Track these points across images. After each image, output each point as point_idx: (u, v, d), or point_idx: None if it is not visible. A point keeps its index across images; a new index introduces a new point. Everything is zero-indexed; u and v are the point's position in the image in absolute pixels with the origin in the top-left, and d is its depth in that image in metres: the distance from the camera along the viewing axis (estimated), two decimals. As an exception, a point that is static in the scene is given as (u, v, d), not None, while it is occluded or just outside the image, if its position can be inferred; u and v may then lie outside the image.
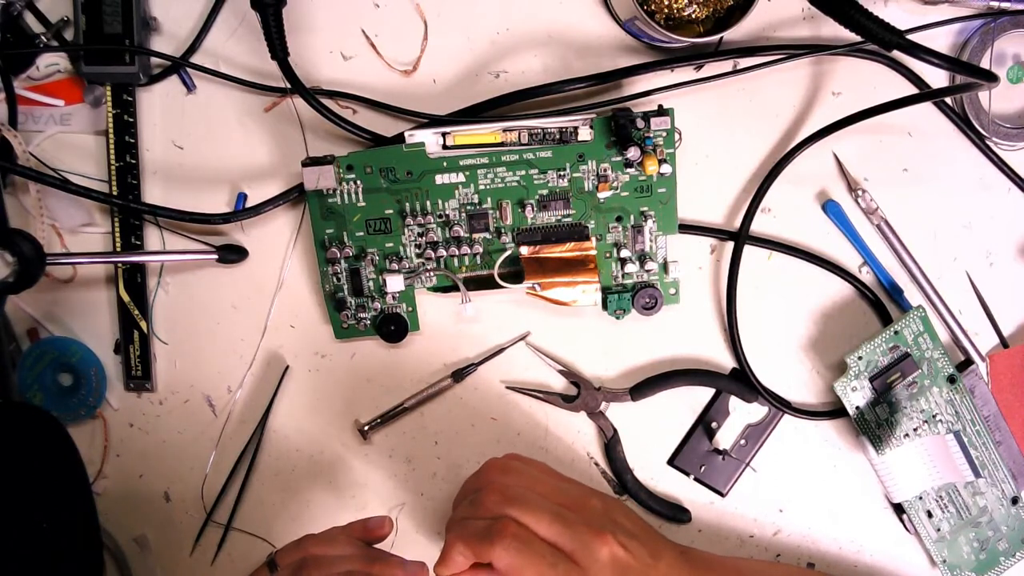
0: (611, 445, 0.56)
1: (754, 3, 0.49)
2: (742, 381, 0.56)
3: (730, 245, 0.55)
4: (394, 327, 0.55)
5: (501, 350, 0.56)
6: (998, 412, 0.55)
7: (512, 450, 0.57)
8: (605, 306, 0.54)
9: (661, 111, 0.52)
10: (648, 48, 0.55)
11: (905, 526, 0.57)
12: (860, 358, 0.54)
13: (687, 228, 0.55)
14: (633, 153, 0.51)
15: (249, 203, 0.55)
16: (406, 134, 0.52)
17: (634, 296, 0.54)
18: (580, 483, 0.48)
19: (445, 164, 0.52)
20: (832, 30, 0.53)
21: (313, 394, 0.57)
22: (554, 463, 0.56)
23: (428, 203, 0.53)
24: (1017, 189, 0.56)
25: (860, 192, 0.55)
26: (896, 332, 0.54)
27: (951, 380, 0.54)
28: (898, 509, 0.57)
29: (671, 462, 0.57)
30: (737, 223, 0.55)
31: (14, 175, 0.54)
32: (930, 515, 0.56)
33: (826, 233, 0.56)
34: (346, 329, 0.55)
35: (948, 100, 0.55)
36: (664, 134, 0.52)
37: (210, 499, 0.57)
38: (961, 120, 0.55)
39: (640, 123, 0.52)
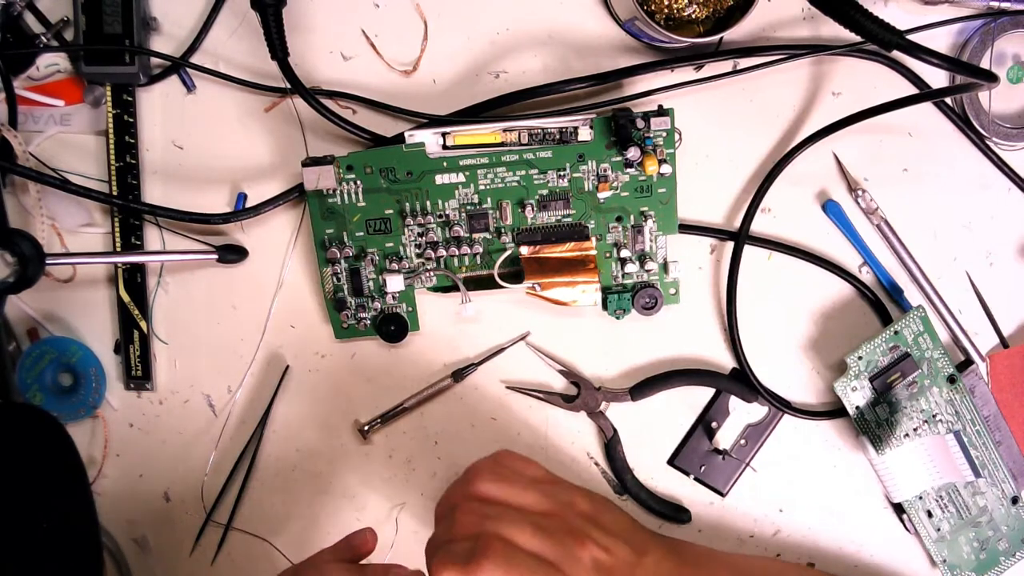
0: (611, 445, 0.56)
1: (754, 3, 0.49)
2: (742, 381, 0.56)
3: (730, 245, 0.55)
4: (394, 327, 0.55)
5: (501, 350, 0.56)
6: (998, 412, 0.55)
7: (512, 450, 0.57)
8: (605, 306, 0.54)
9: (661, 111, 0.52)
10: (648, 48, 0.55)
11: (905, 526, 0.57)
12: (860, 358, 0.54)
13: (687, 228, 0.55)
14: (633, 153, 0.51)
15: (249, 203, 0.55)
16: (406, 134, 0.52)
17: (634, 296, 0.54)
18: (566, 483, 0.47)
19: (445, 164, 0.52)
20: (832, 30, 0.53)
21: (313, 394, 0.57)
22: (554, 463, 0.57)
23: (428, 203, 0.53)
24: (1017, 189, 0.56)
25: (860, 192, 0.55)
26: (896, 332, 0.54)
27: (951, 380, 0.54)
28: (898, 509, 0.57)
29: (671, 462, 0.57)
30: (737, 223, 0.55)
31: (14, 175, 0.54)
32: (930, 515, 0.56)
33: (826, 233, 0.56)
34: (346, 329, 0.55)
35: (948, 100, 0.55)
36: (664, 134, 0.52)
37: (210, 499, 0.57)
38: (961, 120, 0.55)
39: (640, 123, 0.52)
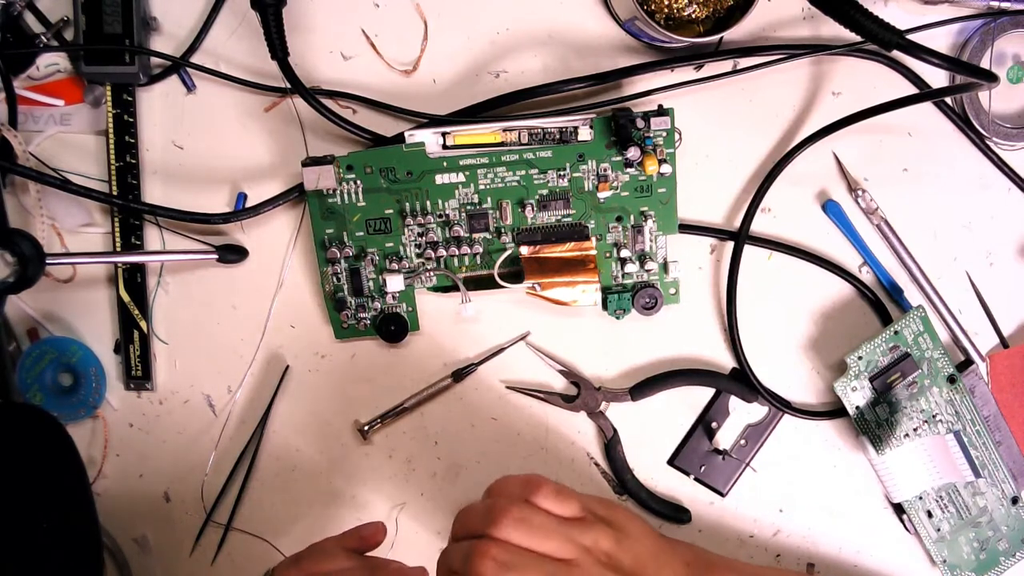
0: (611, 445, 0.56)
1: (754, 3, 0.49)
2: (742, 381, 0.55)
3: (730, 245, 0.55)
4: (394, 327, 0.55)
5: (501, 350, 0.56)
6: (998, 412, 0.55)
7: (512, 450, 0.57)
8: (605, 306, 0.54)
9: (661, 111, 0.52)
10: (648, 48, 0.55)
11: (905, 526, 0.57)
12: (860, 358, 0.54)
13: (687, 228, 0.55)
14: (633, 153, 0.51)
15: (249, 203, 0.55)
16: (406, 134, 0.52)
17: (634, 296, 0.54)
18: (593, 515, 0.45)
19: (445, 164, 0.52)
20: (832, 30, 0.53)
21: (313, 394, 0.57)
22: (554, 463, 0.57)
23: (428, 203, 0.53)
24: (1017, 189, 0.56)
25: (860, 192, 0.55)
26: (896, 332, 0.54)
27: (951, 380, 0.54)
28: (898, 509, 0.57)
29: (671, 462, 0.57)
30: (737, 223, 0.55)
31: (14, 175, 0.54)
32: (930, 515, 0.56)
33: (826, 233, 0.56)
34: (346, 329, 0.55)
35: (948, 100, 0.55)
36: (664, 134, 0.52)
37: (210, 499, 0.57)
38: (961, 120, 0.55)
39: (640, 123, 0.52)
